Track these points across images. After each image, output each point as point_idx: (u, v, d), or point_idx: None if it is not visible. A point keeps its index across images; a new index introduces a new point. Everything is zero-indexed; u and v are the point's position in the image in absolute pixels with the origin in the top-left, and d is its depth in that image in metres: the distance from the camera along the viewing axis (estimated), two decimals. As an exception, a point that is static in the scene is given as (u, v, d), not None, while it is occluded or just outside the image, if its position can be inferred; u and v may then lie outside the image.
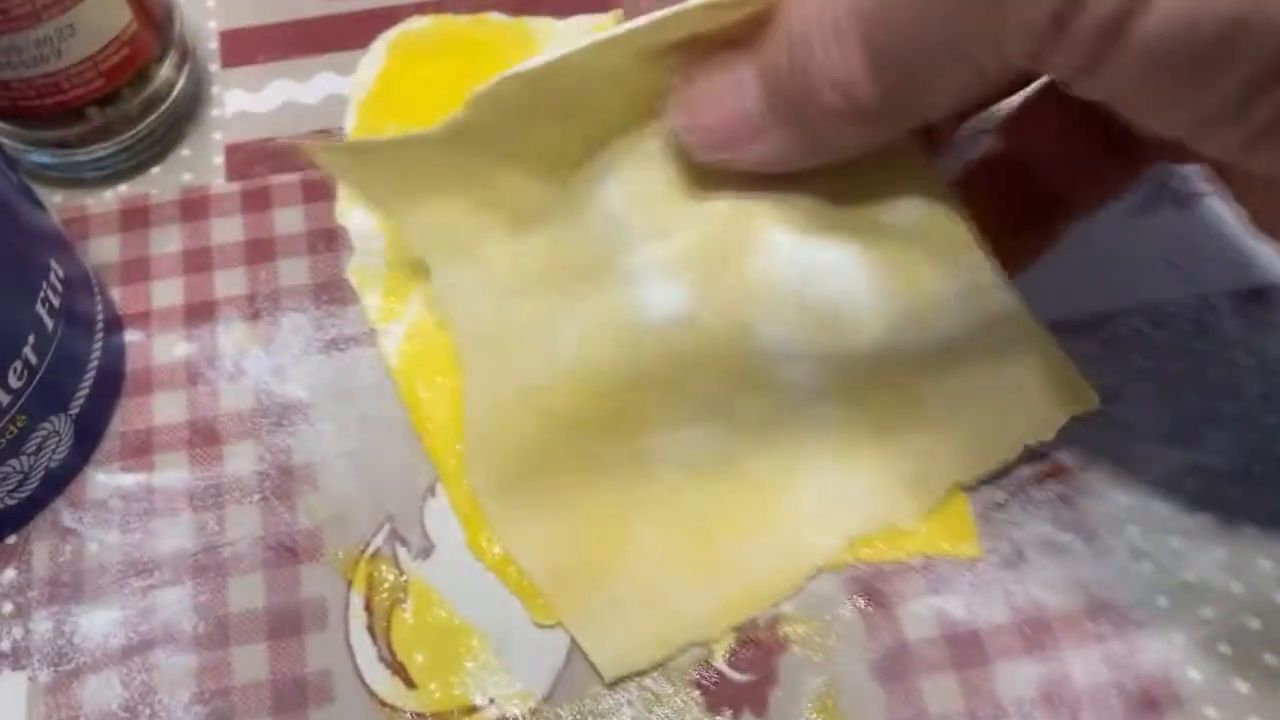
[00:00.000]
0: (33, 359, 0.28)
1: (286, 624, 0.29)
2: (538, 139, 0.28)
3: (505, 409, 0.30)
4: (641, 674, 0.29)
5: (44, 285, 0.28)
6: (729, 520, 0.30)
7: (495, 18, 0.38)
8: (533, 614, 0.29)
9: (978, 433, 0.30)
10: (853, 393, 0.30)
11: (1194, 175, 0.35)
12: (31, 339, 0.28)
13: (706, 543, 0.29)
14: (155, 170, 0.35)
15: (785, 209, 0.28)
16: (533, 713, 0.28)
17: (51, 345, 0.28)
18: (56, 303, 0.29)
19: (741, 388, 0.29)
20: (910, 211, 0.28)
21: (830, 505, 0.30)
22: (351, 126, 0.36)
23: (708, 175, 0.28)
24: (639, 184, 0.29)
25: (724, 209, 0.29)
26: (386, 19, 0.38)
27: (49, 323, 0.28)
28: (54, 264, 0.29)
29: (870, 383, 0.29)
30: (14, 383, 0.27)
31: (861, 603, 0.29)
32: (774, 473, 0.30)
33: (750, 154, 0.26)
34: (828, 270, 0.28)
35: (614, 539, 0.29)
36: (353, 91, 0.36)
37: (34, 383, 0.28)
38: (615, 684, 0.28)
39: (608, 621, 0.29)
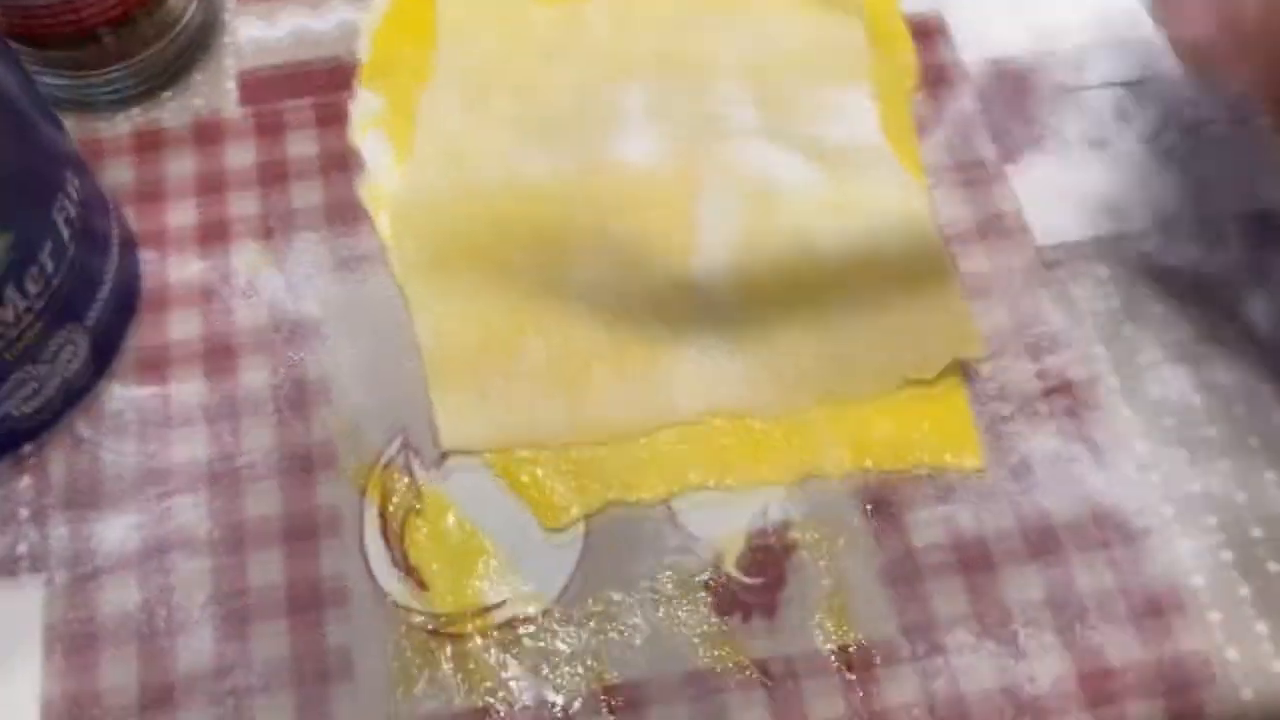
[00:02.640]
0: (49, 266, 0.28)
1: (301, 530, 0.29)
2: None
3: (444, 195, 0.33)
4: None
5: (60, 197, 0.28)
6: (610, 358, 0.31)
7: None
8: (542, 519, 0.30)
9: (862, 356, 0.31)
10: (759, 280, 0.32)
11: (1203, 104, 0.35)
12: (49, 246, 0.28)
13: (583, 370, 0.31)
14: (167, 95, 0.36)
15: (775, 139, 0.33)
16: (544, 613, 0.28)
17: (66, 256, 0.29)
18: (73, 213, 0.29)
19: (664, 245, 0.32)
20: (866, 158, 0.33)
21: (704, 377, 0.31)
22: (366, 55, 0.36)
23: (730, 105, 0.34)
24: (660, 90, 0.34)
25: (721, 126, 0.34)
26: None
27: (65, 233, 0.29)
28: (70, 176, 0.29)
29: (778, 275, 0.32)
30: (31, 288, 0.28)
31: (869, 510, 0.30)
32: (665, 330, 0.32)
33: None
34: (784, 166, 0.33)
35: (506, 340, 0.31)
36: (367, 18, 0.37)
37: (50, 291, 0.28)
38: (447, 455, 0.30)
39: (469, 402, 0.31)
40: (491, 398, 0.31)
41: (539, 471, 0.30)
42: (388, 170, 0.34)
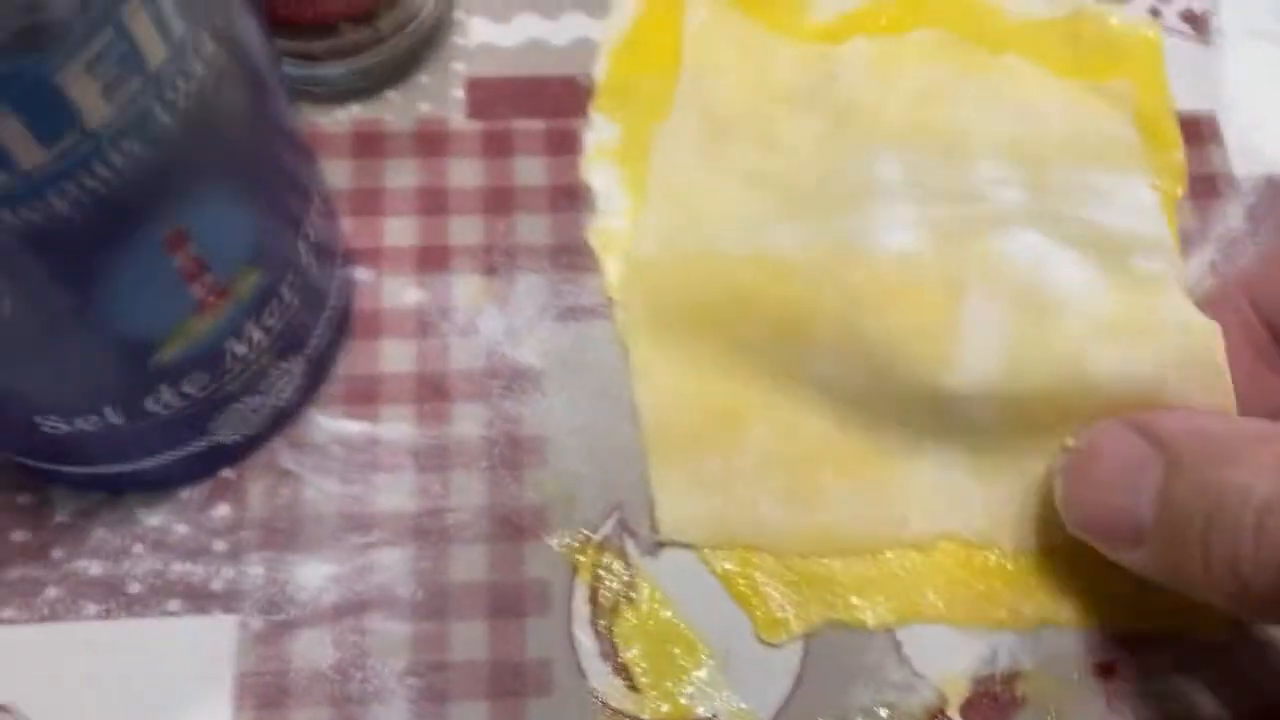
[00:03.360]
0: (288, 296, 0.26)
1: (508, 604, 0.28)
2: None
3: (680, 255, 0.31)
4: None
5: (306, 223, 0.26)
6: (840, 461, 0.29)
7: None
8: (759, 630, 0.28)
9: None
10: (1020, 404, 0.29)
11: None
12: (290, 276, 0.26)
13: (810, 471, 0.29)
14: (391, 94, 0.33)
15: (1044, 225, 0.30)
16: (758, 736, 0.27)
17: (303, 282, 0.27)
18: (314, 236, 0.27)
19: (919, 352, 0.29)
20: (1150, 258, 0.30)
21: (941, 496, 0.29)
22: (602, 77, 0.34)
23: (992, 184, 0.31)
24: (915, 161, 0.31)
25: (986, 209, 0.31)
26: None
27: (305, 259, 0.27)
28: (316, 200, 0.27)
29: (1043, 402, 0.29)
30: (270, 321, 0.26)
31: (1101, 669, 0.28)
32: (903, 440, 0.29)
33: (1118, 552, 0.26)
34: (1060, 265, 0.29)
35: (730, 424, 0.29)
36: (605, 35, 0.34)
37: (285, 320, 0.27)
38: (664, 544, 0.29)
39: (687, 490, 0.29)
40: (709, 485, 0.29)
41: (757, 576, 0.28)
42: (619, 212, 0.32)
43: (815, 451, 0.29)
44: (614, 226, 0.32)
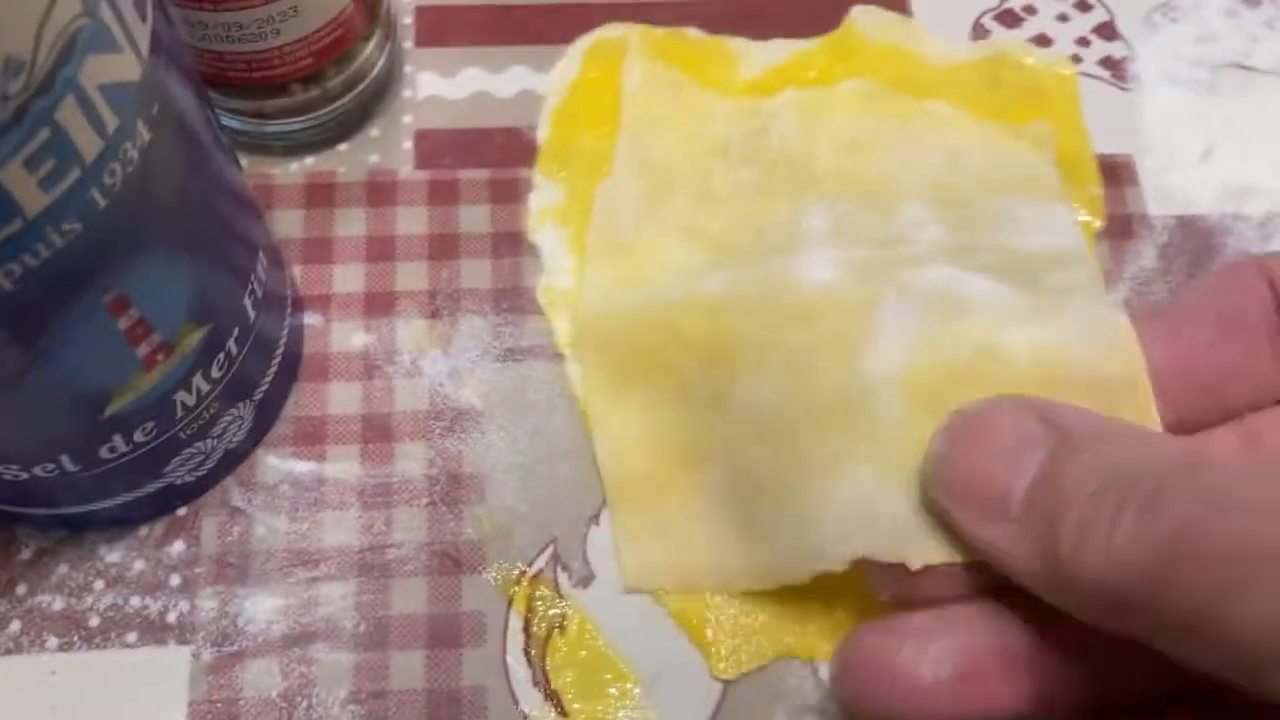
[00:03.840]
0: (234, 349, 0.28)
1: (446, 634, 0.29)
2: None
3: (622, 305, 0.32)
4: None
5: (252, 280, 0.28)
6: (775, 490, 0.29)
7: (694, 34, 0.37)
8: (714, 667, 0.29)
9: None
10: (934, 392, 0.28)
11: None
12: (237, 330, 0.28)
13: (754, 504, 0.30)
14: (343, 147, 0.35)
15: (960, 258, 0.31)
16: (681, 758, 0.29)
17: (250, 335, 0.29)
18: (260, 293, 0.29)
19: (834, 354, 0.29)
20: (1066, 270, 0.31)
21: (853, 516, 0.28)
22: (544, 139, 0.35)
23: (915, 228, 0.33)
24: (842, 211, 0.33)
25: (908, 251, 0.32)
26: (581, 15, 0.38)
27: (251, 315, 0.28)
28: (261, 257, 0.29)
29: (948, 382, 0.28)
30: (215, 374, 0.28)
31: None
32: (823, 459, 0.29)
33: (978, 525, 0.25)
34: (973, 281, 0.30)
35: (685, 466, 0.31)
36: (547, 97, 0.36)
37: (232, 372, 0.28)
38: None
39: (649, 537, 0.30)
40: (671, 530, 0.30)
41: (708, 614, 0.30)
42: (565, 271, 0.33)
43: (755, 483, 0.30)
44: (560, 285, 0.33)
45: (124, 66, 0.21)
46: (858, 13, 0.38)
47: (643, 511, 0.30)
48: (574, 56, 0.36)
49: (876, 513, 0.28)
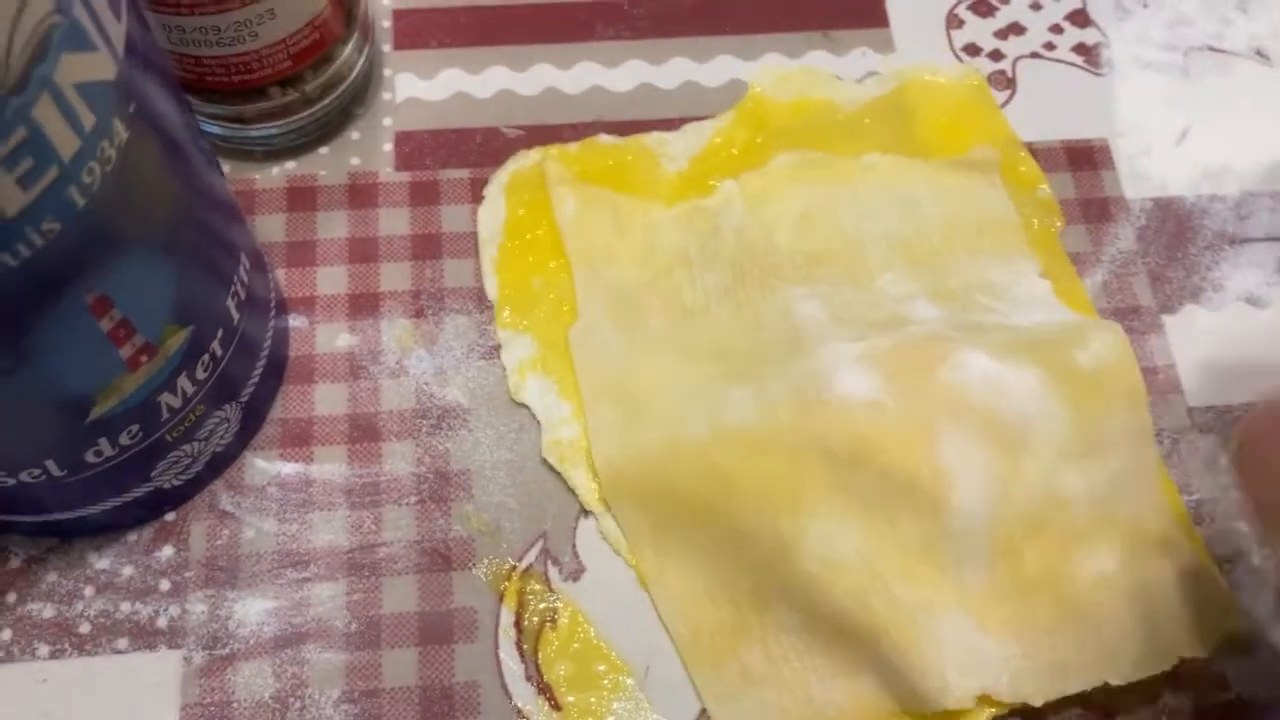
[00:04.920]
0: (218, 351, 0.28)
1: (437, 631, 0.29)
2: None
3: (645, 450, 0.30)
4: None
5: (235, 283, 0.28)
6: (869, 629, 0.29)
7: (605, 140, 0.36)
8: None
9: (1129, 633, 0.29)
10: (1013, 543, 0.29)
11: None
12: (220, 332, 0.28)
13: (845, 639, 0.29)
14: (323, 151, 0.35)
15: (977, 339, 0.30)
16: (675, 749, 0.29)
17: (234, 337, 0.29)
18: (243, 295, 0.29)
19: (916, 508, 0.29)
20: (1098, 356, 0.30)
21: (970, 655, 0.29)
22: (494, 291, 0.33)
23: (904, 301, 0.32)
24: (826, 293, 0.32)
25: (918, 331, 0.31)
26: (556, 13, 0.38)
27: (235, 316, 0.28)
28: (244, 259, 0.29)
29: (1031, 538, 0.29)
30: (200, 375, 0.28)
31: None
32: (916, 598, 0.29)
33: None
34: (1017, 390, 0.29)
35: (755, 610, 0.29)
36: (482, 247, 0.34)
37: (216, 374, 0.28)
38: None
39: (738, 691, 0.29)
40: (757, 679, 0.29)
41: None
42: (565, 421, 0.32)
43: (841, 621, 0.29)
44: (566, 437, 0.32)
45: (99, 65, 0.21)
46: (756, 76, 0.37)
47: (724, 665, 0.29)
48: (495, 197, 0.35)
49: (989, 655, 0.29)
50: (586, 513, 0.31)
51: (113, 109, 0.21)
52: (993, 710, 0.29)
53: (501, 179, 0.35)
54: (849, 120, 0.36)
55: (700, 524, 0.30)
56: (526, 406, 0.32)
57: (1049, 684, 0.29)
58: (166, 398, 0.27)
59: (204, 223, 0.27)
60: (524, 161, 0.35)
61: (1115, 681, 0.29)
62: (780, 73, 0.37)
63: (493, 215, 0.34)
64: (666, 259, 0.33)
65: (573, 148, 0.35)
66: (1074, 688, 0.29)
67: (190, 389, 0.28)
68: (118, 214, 0.23)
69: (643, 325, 0.33)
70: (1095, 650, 0.29)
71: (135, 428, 0.27)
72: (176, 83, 0.26)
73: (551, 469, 0.31)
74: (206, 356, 0.28)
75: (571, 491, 0.31)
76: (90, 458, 0.27)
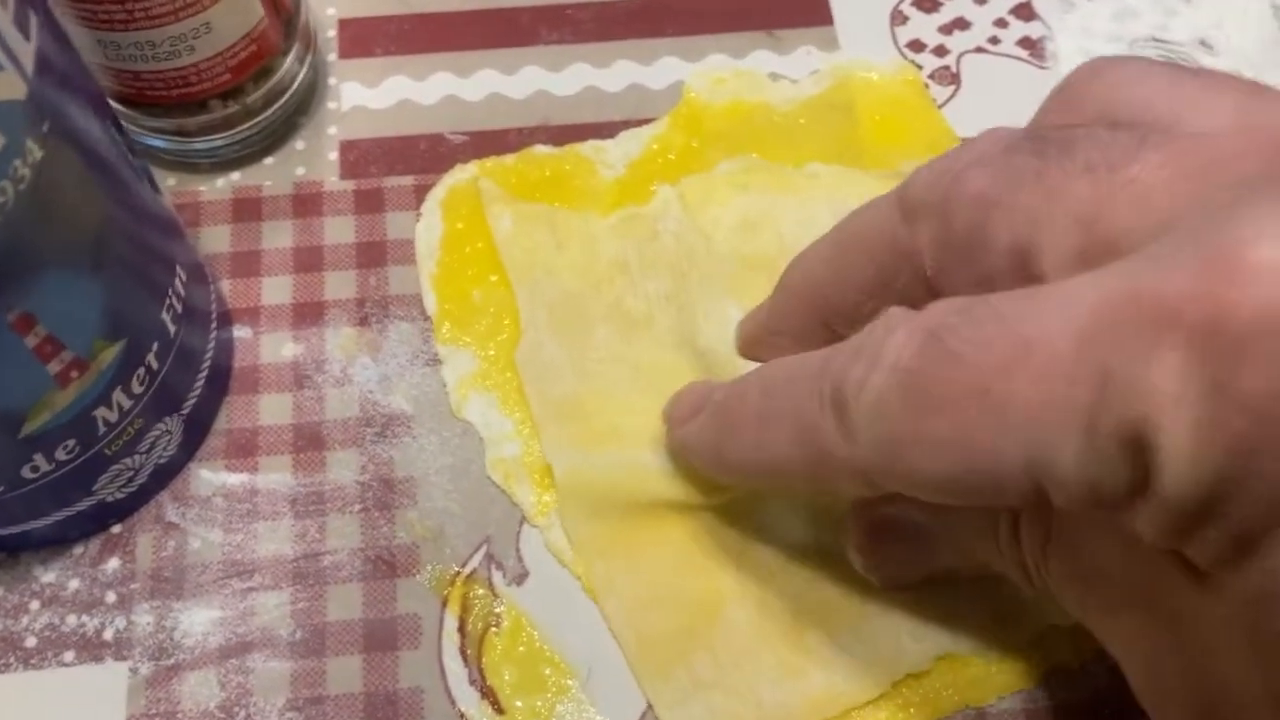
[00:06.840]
0: (155, 364, 0.28)
1: (382, 638, 0.30)
2: None
3: (602, 466, 0.31)
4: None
5: (170, 295, 0.28)
6: (822, 618, 0.29)
7: (542, 150, 0.35)
8: None
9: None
10: None
11: None
12: (156, 346, 0.28)
13: (796, 634, 0.29)
14: (269, 161, 0.35)
15: None
16: (618, 749, 0.29)
17: (171, 350, 0.29)
18: (179, 308, 0.29)
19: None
20: None
21: (928, 616, 0.29)
22: (433, 306, 0.33)
23: None
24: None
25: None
26: (500, 19, 0.38)
27: (171, 329, 0.29)
28: (179, 271, 0.29)
29: None
30: (136, 389, 0.28)
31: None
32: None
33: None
34: None
35: (705, 615, 0.29)
36: (420, 262, 0.34)
37: (154, 386, 0.28)
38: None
39: (688, 697, 0.29)
40: (706, 684, 0.29)
41: None
42: (507, 438, 0.32)
43: (794, 617, 0.29)
44: (509, 454, 0.32)
45: (6, 85, 0.21)
46: (690, 79, 0.37)
47: (673, 671, 0.29)
48: (432, 211, 0.34)
49: (954, 608, 0.29)
50: (529, 519, 0.31)
51: (24, 128, 0.21)
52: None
53: (439, 194, 0.35)
54: (785, 120, 0.36)
55: (653, 534, 0.30)
56: (468, 424, 0.32)
57: (1009, 633, 0.29)
58: (102, 412, 0.27)
59: (134, 237, 0.27)
60: (461, 175, 0.35)
61: (1065, 622, 0.29)
62: (715, 75, 0.37)
63: (430, 230, 0.34)
64: (607, 268, 0.33)
65: (509, 160, 0.35)
66: (1028, 635, 0.29)
67: (127, 403, 0.28)
68: (36, 232, 0.23)
69: (589, 337, 0.33)
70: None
71: (71, 442, 0.27)
72: (101, 99, 0.26)
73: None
74: (142, 370, 0.28)
75: (516, 506, 0.31)
76: (27, 473, 0.27)
